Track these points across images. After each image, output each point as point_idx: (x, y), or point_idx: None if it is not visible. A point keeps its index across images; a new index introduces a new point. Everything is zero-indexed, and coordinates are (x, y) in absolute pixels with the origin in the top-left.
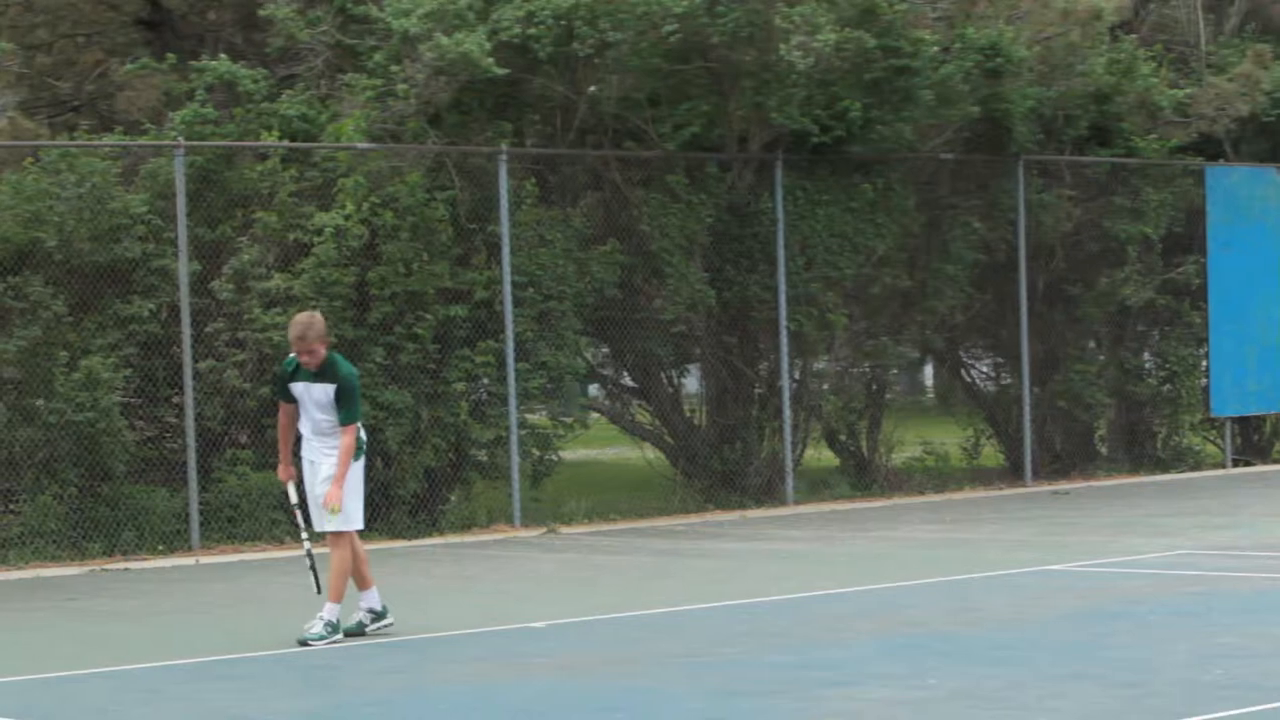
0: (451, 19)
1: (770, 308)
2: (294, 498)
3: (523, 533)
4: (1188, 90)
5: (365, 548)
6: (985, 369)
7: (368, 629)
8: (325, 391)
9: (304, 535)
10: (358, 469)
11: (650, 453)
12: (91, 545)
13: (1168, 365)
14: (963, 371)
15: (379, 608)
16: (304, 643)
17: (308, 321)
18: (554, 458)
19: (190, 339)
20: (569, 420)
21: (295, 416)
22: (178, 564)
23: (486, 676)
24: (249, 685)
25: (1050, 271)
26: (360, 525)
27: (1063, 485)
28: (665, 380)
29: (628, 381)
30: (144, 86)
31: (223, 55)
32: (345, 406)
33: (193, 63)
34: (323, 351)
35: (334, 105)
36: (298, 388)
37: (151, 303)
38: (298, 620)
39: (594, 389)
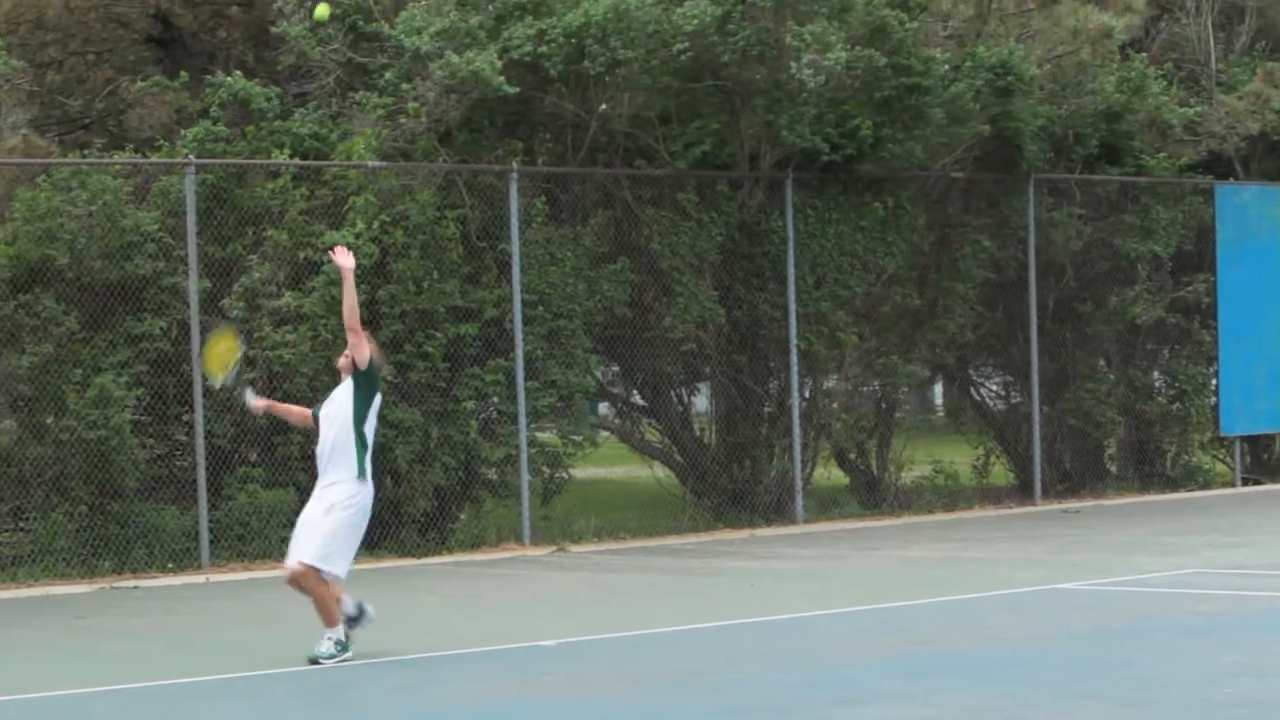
0: (463, 37)
1: (780, 326)
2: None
3: (532, 551)
4: (1198, 109)
5: (376, 566)
6: (995, 387)
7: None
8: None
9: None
10: (360, 522)
11: (660, 471)
12: (102, 563)
13: (1177, 384)
14: (972, 390)
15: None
16: (315, 660)
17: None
18: (564, 476)
19: (200, 357)
20: (579, 438)
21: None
22: (188, 582)
23: (496, 694)
24: (259, 703)
25: (1060, 290)
26: (341, 575)
27: (1072, 504)
28: (675, 398)
29: (637, 400)
30: (155, 104)
31: (236, 73)
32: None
33: (207, 78)
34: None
35: (345, 123)
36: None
37: (162, 320)
38: (308, 638)
39: (604, 407)
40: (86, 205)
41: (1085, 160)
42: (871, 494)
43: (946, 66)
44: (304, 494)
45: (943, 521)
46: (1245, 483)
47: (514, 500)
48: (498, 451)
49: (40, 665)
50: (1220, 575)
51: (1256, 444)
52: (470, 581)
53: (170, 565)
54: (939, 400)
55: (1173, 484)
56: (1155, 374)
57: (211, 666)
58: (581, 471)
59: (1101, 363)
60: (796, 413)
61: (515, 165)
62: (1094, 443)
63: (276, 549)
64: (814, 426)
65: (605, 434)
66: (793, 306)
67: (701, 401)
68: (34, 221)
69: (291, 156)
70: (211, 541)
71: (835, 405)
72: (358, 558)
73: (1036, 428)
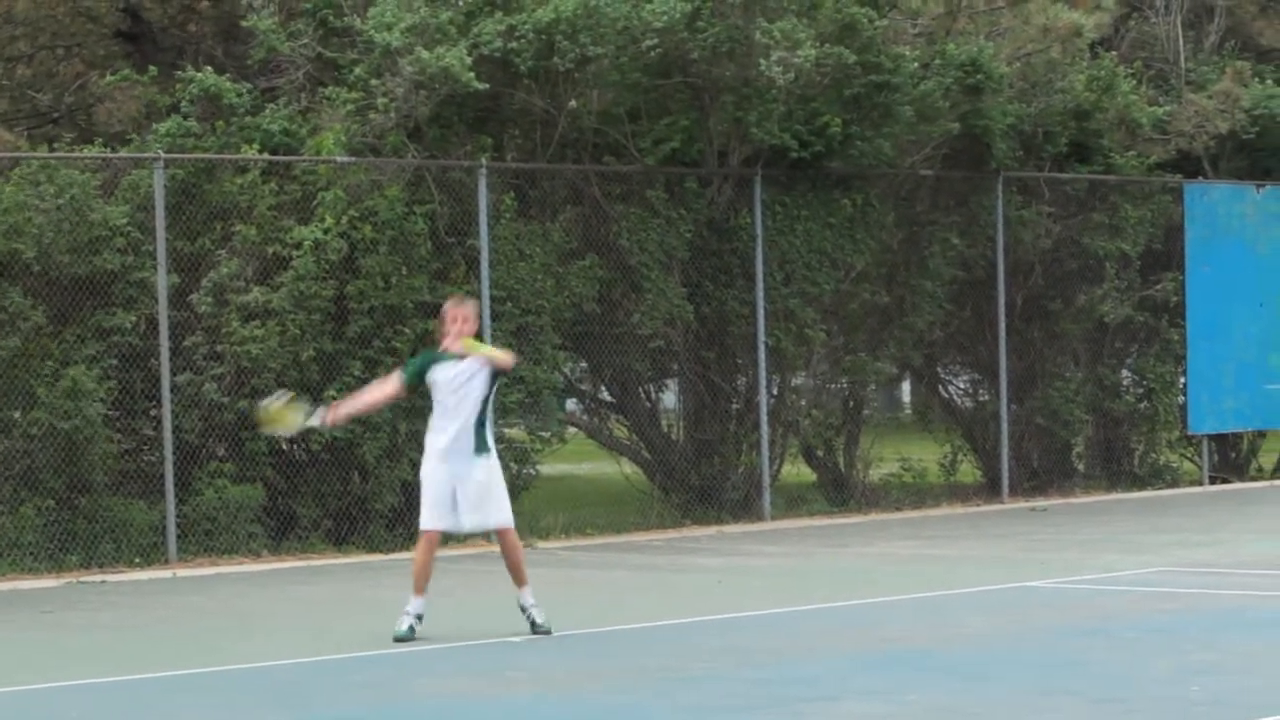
0: (433, 33)
1: (748, 323)
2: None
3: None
4: (1167, 107)
5: (344, 561)
6: (963, 385)
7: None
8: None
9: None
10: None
11: (628, 467)
12: (69, 558)
13: (1145, 382)
14: (940, 388)
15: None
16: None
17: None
18: (531, 472)
19: (169, 352)
20: (546, 435)
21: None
22: (155, 576)
23: (464, 691)
24: (225, 699)
25: (1029, 288)
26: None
27: (1040, 502)
28: (643, 395)
29: (605, 396)
30: (124, 98)
31: (207, 68)
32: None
33: (178, 73)
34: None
35: (314, 118)
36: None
37: (131, 315)
38: (273, 633)
39: (572, 403)
40: (54, 199)
41: (1054, 158)
42: (839, 491)
43: (916, 64)
44: (271, 489)
45: (910, 519)
46: (1213, 481)
47: None
48: None
49: (6, 660)
50: (1187, 573)
51: (1224, 442)
52: (437, 577)
53: (137, 560)
54: (907, 398)
55: (1140, 482)
56: (1123, 372)
57: (178, 661)
58: (549, 467)
59: (1070, 361)
60: (764, 410)
61: (484, 161)
62: (1062, 441)
63: (243, 544)
64: (782, 423)
65: (573, 430)
66: (761, 303)
67: (670, 398)
68: (1, 215)
69: (261, 152)
70: (179, 536)
71: (803, 402)
72: (324, 552)
73: (1004, 426)
